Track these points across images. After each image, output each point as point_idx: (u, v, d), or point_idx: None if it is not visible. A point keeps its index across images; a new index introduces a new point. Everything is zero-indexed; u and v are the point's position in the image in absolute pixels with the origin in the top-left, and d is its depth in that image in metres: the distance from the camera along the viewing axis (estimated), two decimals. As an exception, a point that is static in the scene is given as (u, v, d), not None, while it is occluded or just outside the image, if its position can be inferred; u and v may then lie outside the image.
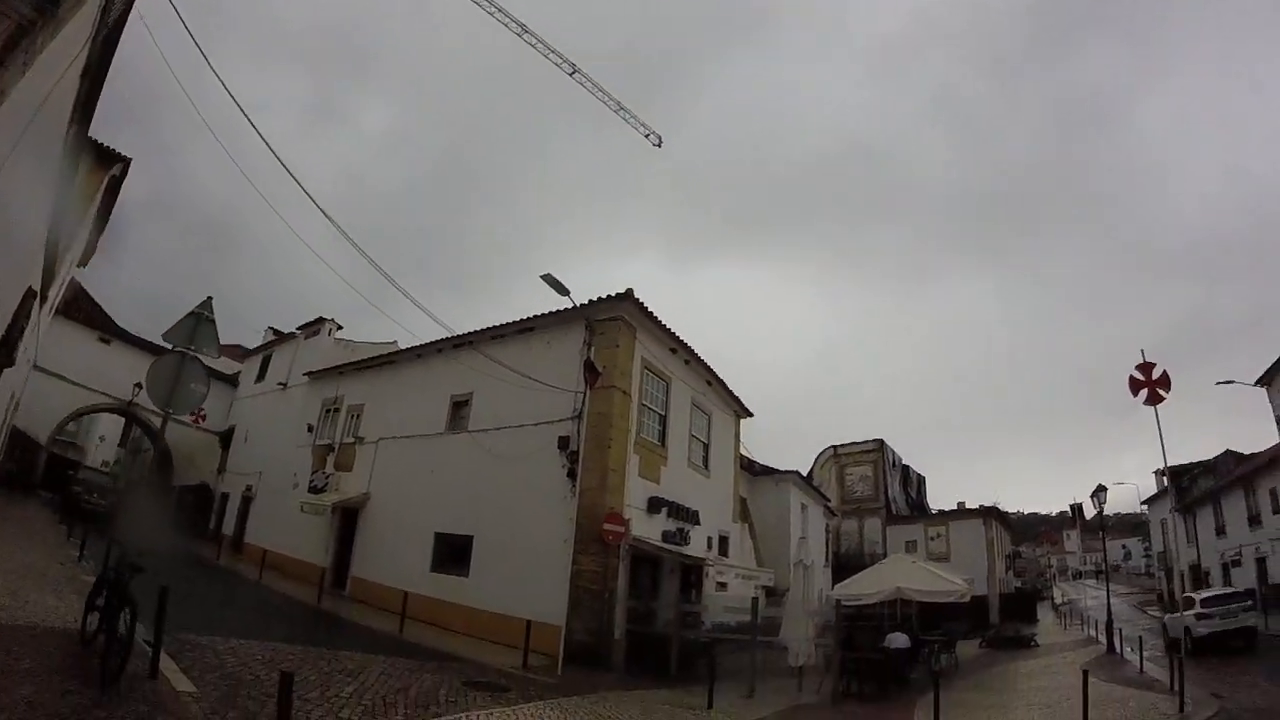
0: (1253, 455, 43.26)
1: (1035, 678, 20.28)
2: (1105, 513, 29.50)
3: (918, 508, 58.79)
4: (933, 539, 49.16)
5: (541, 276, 15.82)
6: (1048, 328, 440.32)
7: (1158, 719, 12.53)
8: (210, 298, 10.76)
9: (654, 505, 18.81)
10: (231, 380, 38.97)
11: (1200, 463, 52.78)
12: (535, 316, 19.70)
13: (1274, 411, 34.97)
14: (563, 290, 15.99)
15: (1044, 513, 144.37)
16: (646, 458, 18.95)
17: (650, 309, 18.97)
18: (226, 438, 36.90)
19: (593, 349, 17.87)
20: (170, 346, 10.30)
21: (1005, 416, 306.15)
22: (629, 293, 18.15)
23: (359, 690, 9.42)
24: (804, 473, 45.66)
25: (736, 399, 25.44)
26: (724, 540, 23.72)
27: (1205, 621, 22.24)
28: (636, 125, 56.10)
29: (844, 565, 40.01)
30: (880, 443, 54.26)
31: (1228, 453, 50.08)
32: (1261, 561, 37.77)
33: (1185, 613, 23.58)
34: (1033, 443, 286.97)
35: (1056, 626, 44.40)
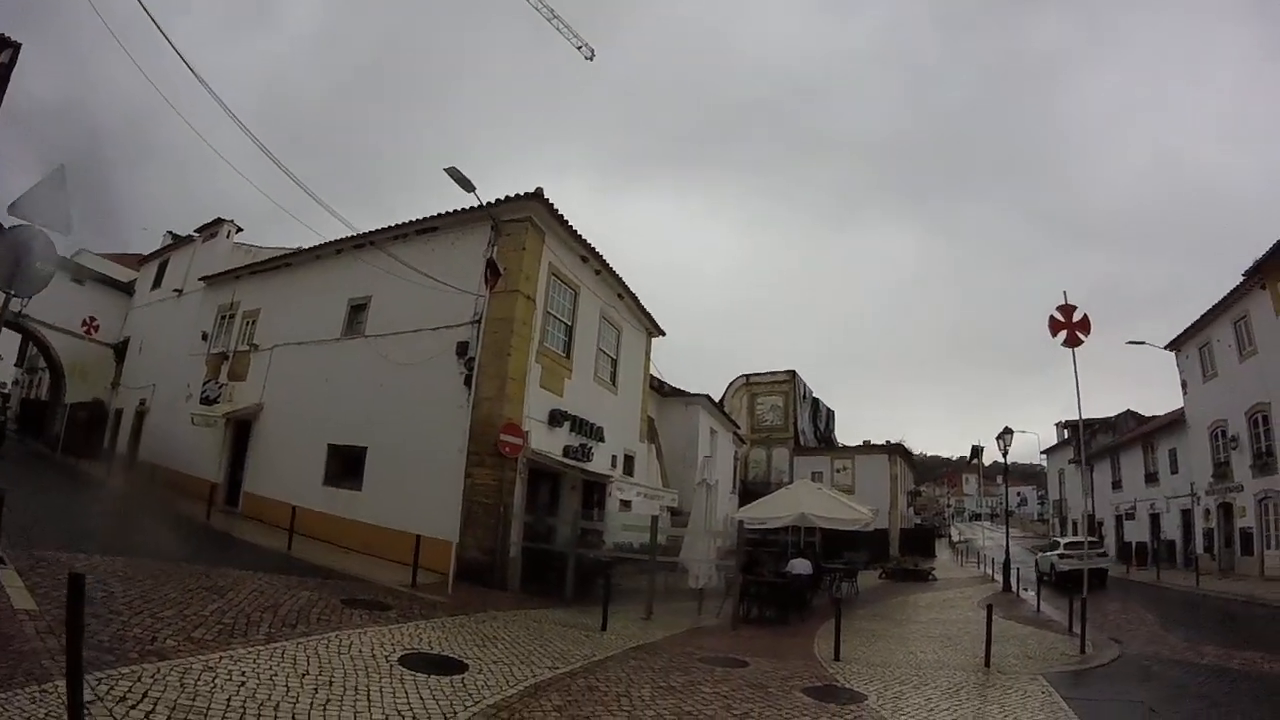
0: (1152, 417, 45.66)
1: (933, 610, 20.50)
2: (1004, 460, 30.42)
3: (825, 441, 59.42)
4: (839, 471, 49.65)
5: (446, 170, 14.70)
6: (964, 280, 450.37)
7: (1059, 658, 12.40)
8: (63, 166, 9.41)
9: (556, 418, 18.03)
10: (127, 289, 36.34)
11: (1102, 419, 54.98)
12: (438, 215, 18.47)
13: (1180, 375, 36.41)
14: (468, 186, 14.88)
15: (945, 456, 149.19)
16: (550, 368, 18.10)
17: (561, 212, 17.95)
18: (121, 350, 34.51)
19: (496, 250, 16.87)
20: (13, 221, 8.95)
21: (914, 361, 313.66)
22: (538, 192, 17.10)
23: (222, 608, 8.60)
24: (716, 399, 45.73)
25: (648, 315, 24.72)
26: (629, 459, 23.20)
27: (1066, 560, 28.57)
28: (569, 36, 54.20)
29: (751, 493, 40.00)
30: (792, 374, 54.32)
31: (1128, 412, 52.86)
32: (1155, 517, 39.89)
33: (1051, 553, 30.80)
34: (939, 389, 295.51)
35: (953, 563, 45.83)
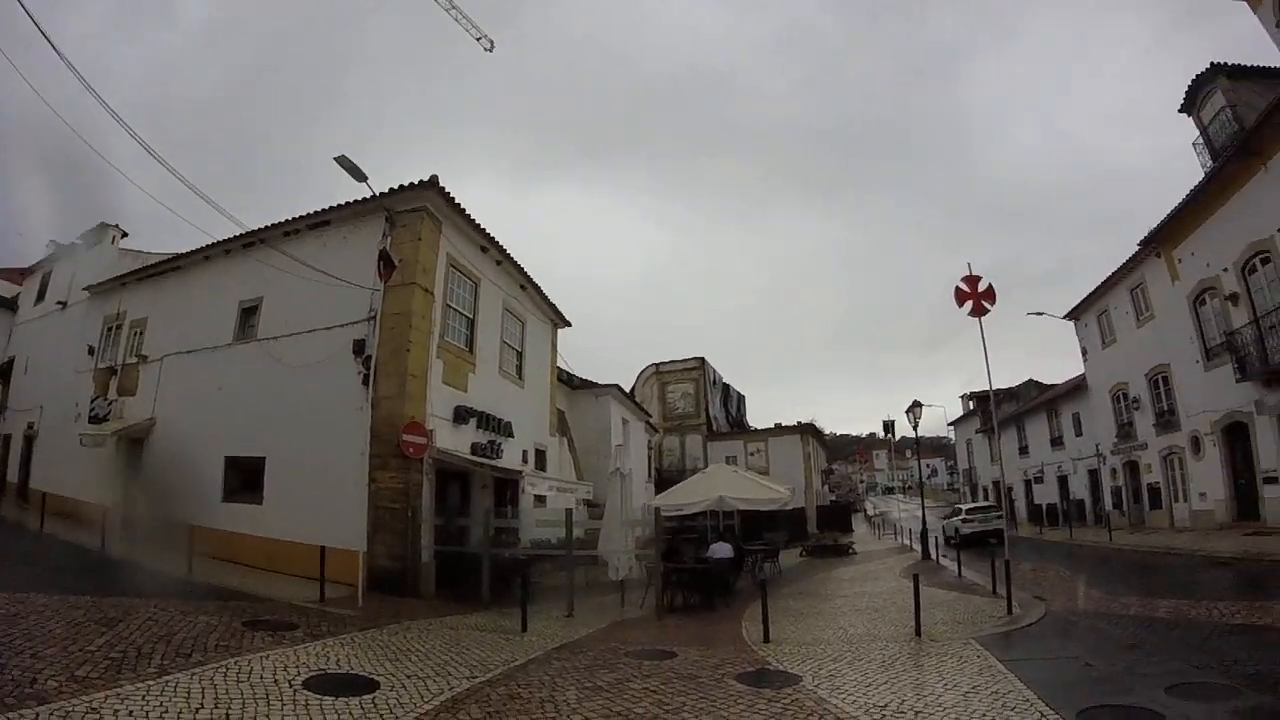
0: (1053, 385, 47.43)
1: (858, 583, 20.52)
2: (913, 434, 31.11)
3: (738, 425, 59.86)
4: (753, 454, 50.04)
5: (336, 159, 13.97)
6: (868, 263, 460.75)
7: (988, 621, 12.37)
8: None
9: (461, 415, 17.38)
10: (11, 305, 33.86)
11: (1006, 389, 56.47)
12: (330, 208, 17.49)
13: (1080, 343, 37.51)
14: (359, 175, 14.19)
15: (855, 434, 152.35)
16: (452, 364, 17.46)
17: (458, 201, 17.34)
18: (5, 371, 32.12)
19: (390, 241, 16.11)
20: None
21: (822, 344, 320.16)
22: (433, 180, 16.42)
23: (111, 641, 7.80)
24: (627, 389, 45.37)
25: (553, 306, 24.22)
26: (541, 454, 22.68)
27: (968, 524, 33.21)
28: (468, 27, 52.51)
29: (666, 480, 39.81)
30: (701, 360, 54.45)
31: (1030, 381, 54.78)
32: (1063, 479, 41.39)
33: (955, 518, 34.40)
34: (846, 370, 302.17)
35: (871, 536, 46.35)
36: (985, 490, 59.02)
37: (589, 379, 32.08)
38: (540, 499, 20.58)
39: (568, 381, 31.28)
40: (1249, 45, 25.22)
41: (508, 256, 20.23)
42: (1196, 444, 26.46)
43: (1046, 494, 43.78)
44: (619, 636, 11.75)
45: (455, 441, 17.00)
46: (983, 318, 14.56)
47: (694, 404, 53.53)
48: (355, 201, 16.74)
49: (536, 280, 22.25)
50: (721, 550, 17.72)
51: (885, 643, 10.76)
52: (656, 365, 55.26)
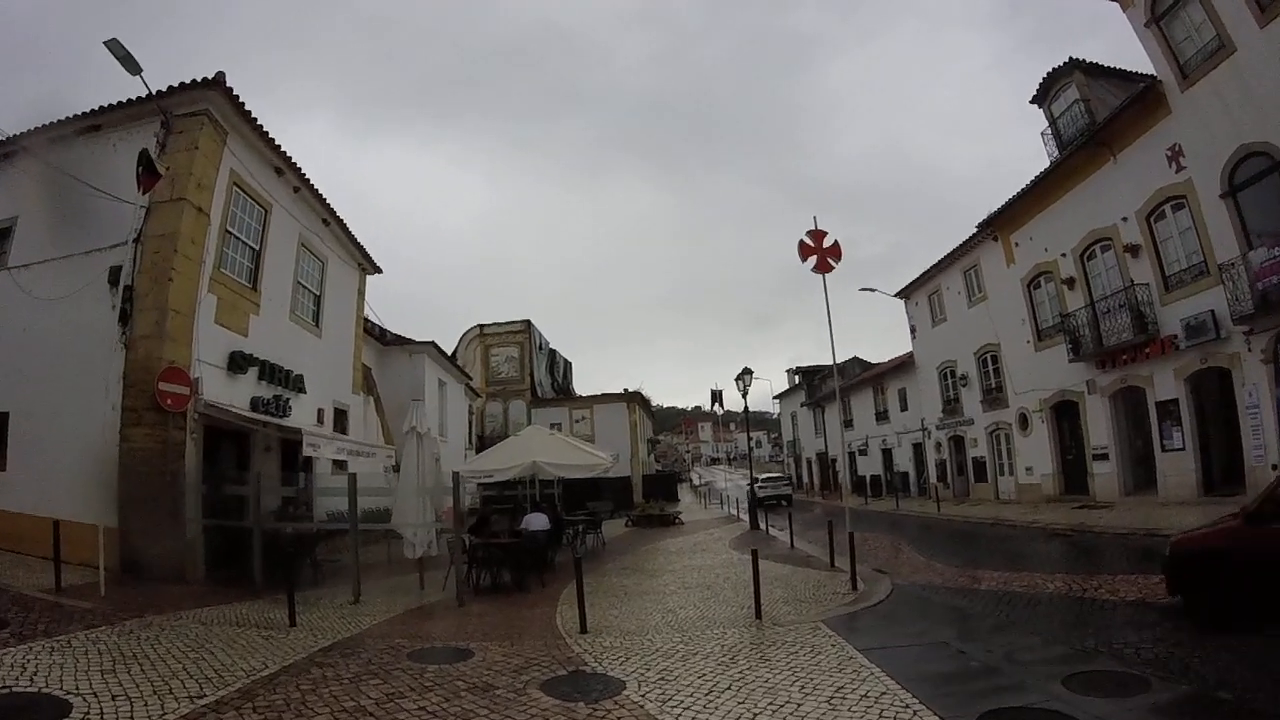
0: (876, 364, 49.09)
1: (686, 555, 19.40)
2: (735, 407, 31.38)
3: (564, 392, 58.29)
4: (578, 421, 48.76)
5: (106, 43, 11.58)
6: (704, 237, 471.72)
7: (833, 599, 11.35)
8: None
9: (238, 363, 14.86)
10: None
11: (829, 366, 57.17)
12: (100, 110, 14.45)
13: (910, 321, 38.53)
14: (133, 66, 11.80)
15: (683, 406, 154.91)
16: (229, 301, 14.92)
17: (249, 109, 14.92)
18: None
19: (164, 149, 13.68)
20: None
21: (653, 316, 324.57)
22: (219, 78, 13.98)
23: None
24: (450, 352, 43.13)
25: (361, 249, 21.86)
26: (342, 414, 20.32)
27: (763, 489, 39.31)
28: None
29: (489, 447, 38.00)
30: (528, 323, 52.47)
31: (855, 359, 56.47)
32: (888, 452, 43.14)
33: (754, 485, 34.59)
34: (676, 343, 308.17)
35: (697, 505, 46.19)
36: (809, 462, 60.17)
37: (403, 334, 29.71)
38: (341, 464, 18.32)
39: (379, 336, 28.83)
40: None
41: (307, 183, 17.83)
42: (1024, 420, 27.32)
43: (871, 466, 45.06)
44: (409, 629, 9.83)
45: (230, 394, 14.53)
46: (827, 275, 13.86)
47: (519, 368, 51.52)
48: (129, 102, 14.08)
49: (342, 217, 19.96)
50: (537, 522, 15.96)
51: (723, 629, 9.42)
52: (481, 327, 52.86)
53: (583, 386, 63.72)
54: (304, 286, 18.44)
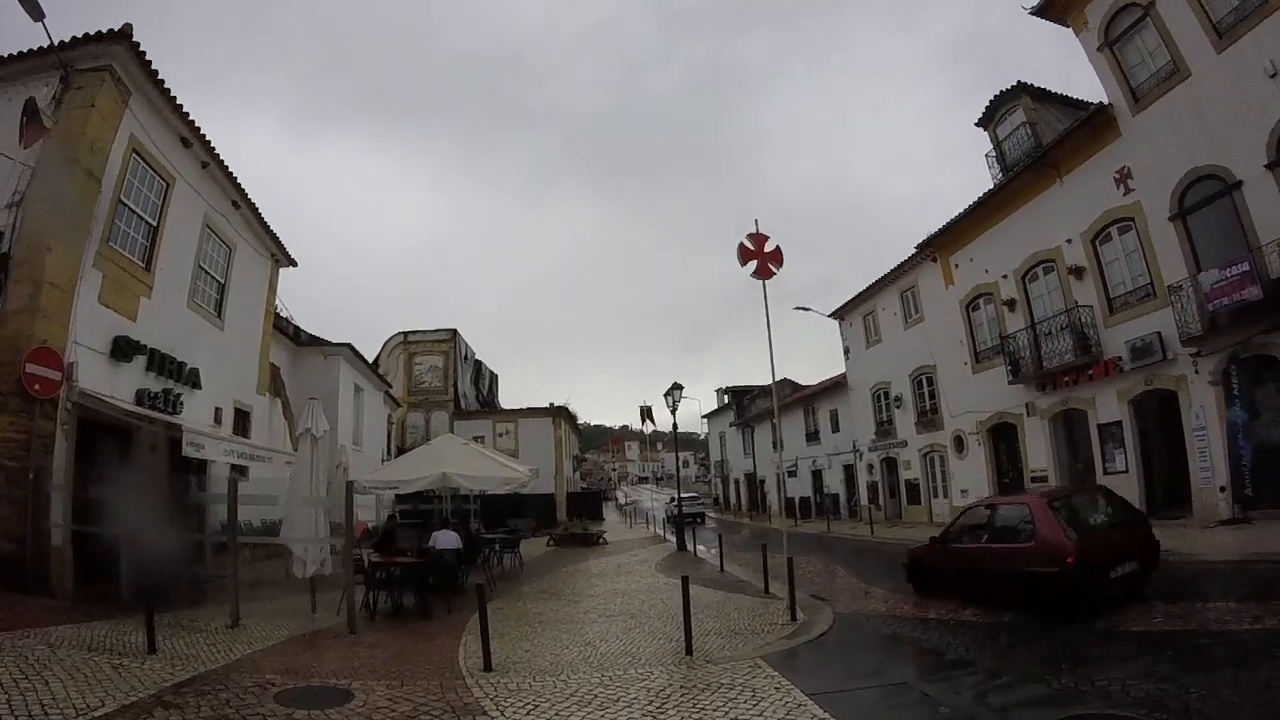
0: (806, 386, 48.99)
1: (609, 579, 18.25)
2: (663, 427, 30.68)
3: (488, 404, 57.00)
4: (501, 435, 47.76)
5: None
6: (640, 259, 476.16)
7: (770, 631, 10.39)
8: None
9: (124, 350, 13.36)
10: None
11: (761, 386, 57.85)
12: None
13: (844, 342, 38.31)
14: (35, 11, 10.58)
15: (610, 425, 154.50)
16: (116, 279, 13.42)
17: (155, 69, 13.62)
18: None
19: (61, 105, 12.37)
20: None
21: (585, 335, 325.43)
22: (125, 30, 12.69)
23: None
24: (372, 359, 41.68)
25: (275, 237, 20.44)
26: (244, 415, 18.81)
27: (683, 507, 34.16)
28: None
29: (406, 459, 36.67)
30: (453, 333, 51.16)
31: (785, 380, 55.57)
32: (818, 473, 42.81)
33: (671, 504, 38.01)
34: (607, 362, 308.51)
35: (622, 524, 45.19)
36: (737, 482, 59.69)
37: (320, 336, 28.21)
38: (239, 469, 16.93)
39: (294, 336, 27.32)
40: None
41: (217, 159, 16.44)
42: (960, 443, 27.03)
43: (800, 487, 44.69)
44: (286, 661, 8.51)
45: (112, 384, 13.05)
46: (767, 281, 13.41)
47: (442, 378, 50.22)
48: (28, 53, 12.70)
49: (255, 202, 18.56)
50: (446, 540, 14.69)
51: (649, 667, 8.35)
52: (404, 334, 51.37)
53: (510, 402, 62.48)
54: (206, 272, 16.98)
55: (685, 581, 9.57)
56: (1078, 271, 20.47)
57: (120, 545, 11.55)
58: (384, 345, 50.98)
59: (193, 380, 15.67)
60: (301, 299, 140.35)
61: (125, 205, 13.75)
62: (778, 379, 49.85)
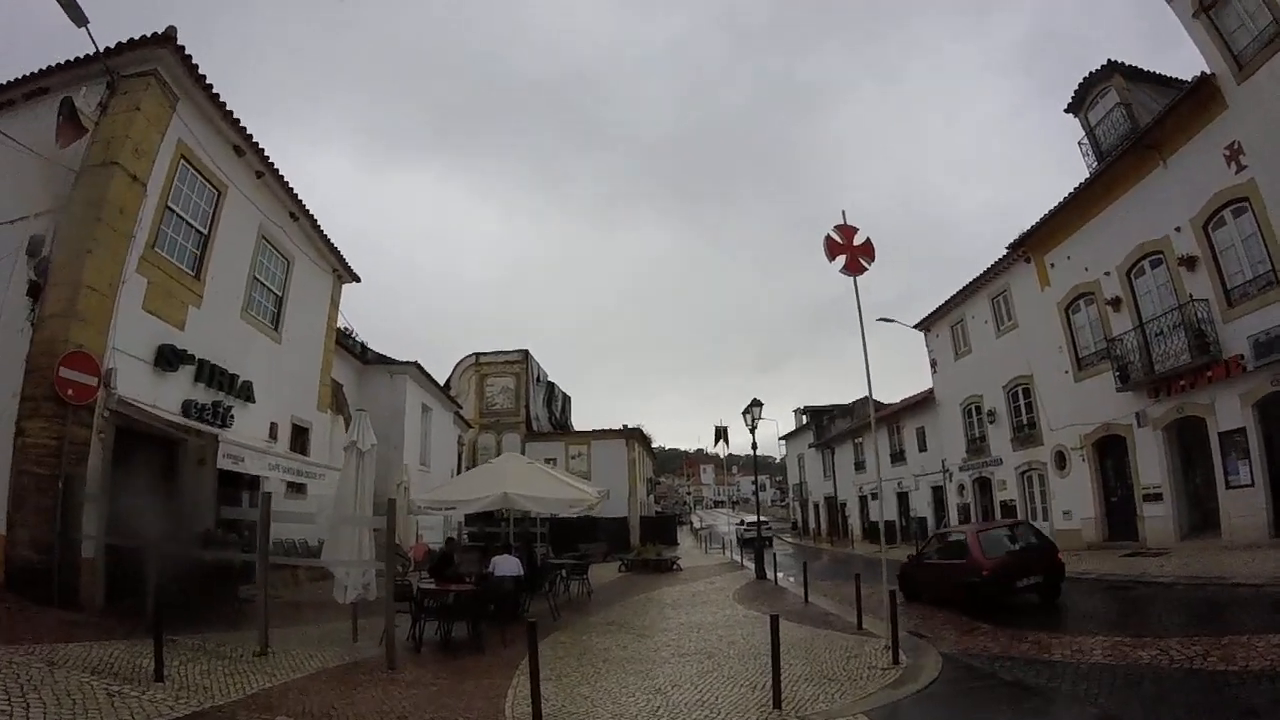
0: (890, 404, 45.92)
1: (683, 609, 17.05)
2: (738, 451, 29.69)
3: (561, 427, 56.29)
4: (574, 457, 46.98)
5: None
6: (716, 281, 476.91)
7: (870, 676, 9.06)
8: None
9: (169, 359, 12.75)
10: None
11: (840, 405, 56.68)
12: (46, 71, 12.80)
13: (930, 355, 36.37)
14: (79, 16, 10.20)
15: (685, 448, 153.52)
16: (163, 286, 12.86)
17: (203, 73, 13.17)
18: None
19: (106, 111, 11.97)
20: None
21: (661, 358, 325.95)
22: (169, 34, 12.25)
23: None
24: (444, 381, 41.38)
25: (336, 252, 19.99)
26: (302, 432, 18.25)
27: (747, 531, 43.37)
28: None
29: (476, 480, 36.01)
30: (525, 354, 50.69)
31: (866, 398, 53.05)
32: (904, 495, 40.65)
33: (739, 527, 44.89)
34: (683, 386, 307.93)
35: (697, 549, 44.06)
36: (817, 506, 57.91)
37: (385, 354, 27.73)
38: (296, 487, 16.31)
39: (359, 355, 26.91)
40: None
41: (272, 169, 15.97)
42: (1062, 459, 24.98)
43: (884, 511, 41.95)
44: (307, 701, 7.51)
45: (156, 394, 12.44)
46: (858, 277, 12.12)
47: (514, 400, 49.76)
48: (75, 61, 12.44)
49: (315, 215, 18.12)
50: (506, 566, 13.70)
51: (732, 727, 7.14)
52: (476, 355, 51.15)
53: (583, 424, 61.84)
54: (262, 284, 16.46)
55: (775, 622, 8.11)
56: (1189, 262, 18.61)
57: (147, 559, 10.86)
58: (455, 366, 50.82)
59: (245, 393, 15.07)
60: (377, 325, 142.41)
61: (173, 212, 13.25)
62: (859, 397, 48.35)
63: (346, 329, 29.10)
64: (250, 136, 14.95)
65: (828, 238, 12.10)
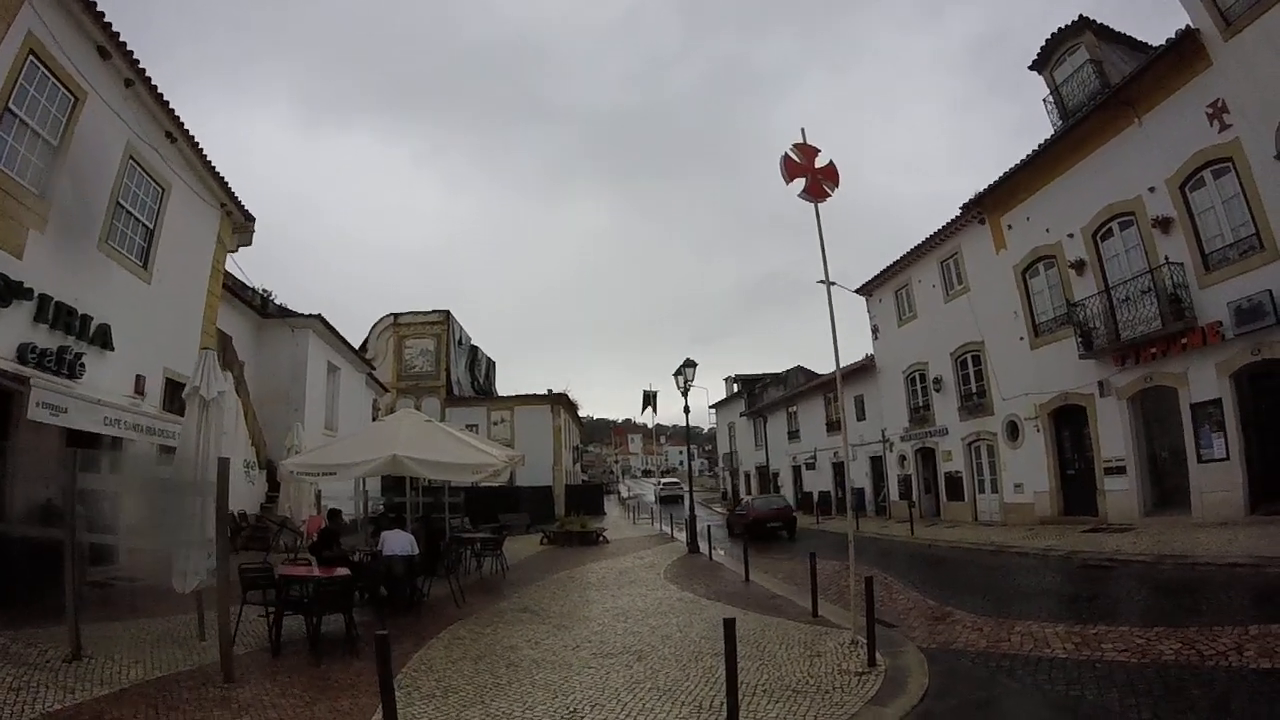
0: (820, 374, 46.39)
1: (610, 591, 15.11)
2: (666, 422, 30.38)
3: (484, 392, 54.42)
4: (496, 424, 45.30)
5: None
6: (651, 257, 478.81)
7: (842, 682, 7.32)
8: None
9: (1, 292, 10.60)
10: None
11: (773, 374, 56.39)
12: None
13: (871, 320, 35.39)
14: None
15: (613, 418, 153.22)
16: (-8, 203, 10.75)
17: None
18: None
19: None
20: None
21: (594, 331, 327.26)
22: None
23: None
24: (361, 343, 39.46)
25: (223, 183, 17.60)
26: (177, 387, 15.87)
27: (663, 490, 63.76)
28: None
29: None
30: (446, 314, 48.64)
31: (798, 368, 54.07)
32: (839, 465, 38.96)
33: (656, 487, 62.56)
34: (614, 358, 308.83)
35: (624, 520, 42.63)
36: (748, 475, 57.04)
37: (286, 306, 25.68)
38: (168, 450, 14.18)
39: (259, 308, 24.77)
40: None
41: (143, 77, 13.68)
42: (1014, 429, 24.05)
43: (820, 481, 41.74)
44: None
45: (-18, 335, 10.39)
46: (820, 203, 10.34)
47: (434, 363, 47.80)
48: None
49: (198, 141, 15.85)
50: (397, 543, 11.90)
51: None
52: (395, 315, 48.98)
53: (508, 390, 60.04)
54: (127, 211, 14.21)
55: (730, 629, 5.99)
56: (1164, 224, 17.56)
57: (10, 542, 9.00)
58: (373, 327, 48.76)
59: (101, 339, 12.91)
60: (312, 296, 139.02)
61: (14, 114, 11.05)
62: (791, 367, 47.29)
63: (266, 292, 26.99)
64: (118, 36, 12.72)
65: (785, 157, 10.28)
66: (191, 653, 8.60)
